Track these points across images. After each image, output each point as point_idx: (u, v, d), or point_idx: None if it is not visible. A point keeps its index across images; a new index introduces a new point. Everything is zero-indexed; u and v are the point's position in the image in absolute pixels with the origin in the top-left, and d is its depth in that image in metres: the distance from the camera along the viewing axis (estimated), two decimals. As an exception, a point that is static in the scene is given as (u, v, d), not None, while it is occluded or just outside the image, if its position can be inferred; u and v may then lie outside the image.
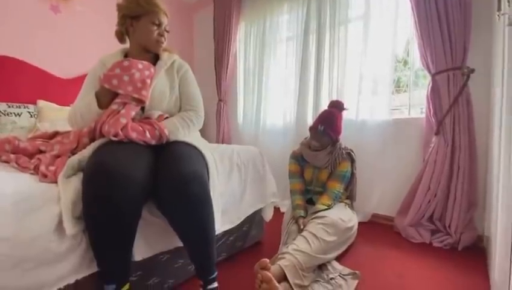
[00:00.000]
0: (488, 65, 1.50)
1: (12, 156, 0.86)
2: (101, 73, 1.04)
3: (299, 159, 1.67)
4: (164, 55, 1.13)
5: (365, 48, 1.94)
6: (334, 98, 2.08)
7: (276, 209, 1.84)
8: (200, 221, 0.88)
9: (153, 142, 0.97)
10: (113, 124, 0.90)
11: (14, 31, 2.03)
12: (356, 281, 1.16)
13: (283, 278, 1.05)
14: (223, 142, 2.79)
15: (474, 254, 1.41)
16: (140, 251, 0.91)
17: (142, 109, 1.04)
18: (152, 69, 1.03)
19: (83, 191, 0.77)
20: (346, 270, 1.23)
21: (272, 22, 2.51)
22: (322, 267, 1.25)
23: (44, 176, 0.77)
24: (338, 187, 1.47)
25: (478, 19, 1.47)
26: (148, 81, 0.99)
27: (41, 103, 2.01)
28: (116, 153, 0.84)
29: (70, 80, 2.28)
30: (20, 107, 1.92)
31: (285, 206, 2.11)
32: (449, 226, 1.51)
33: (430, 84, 1.59)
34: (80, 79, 2.31)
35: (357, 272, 1.21)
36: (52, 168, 0.81)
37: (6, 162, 0.87)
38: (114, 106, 0.95)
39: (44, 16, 2.16)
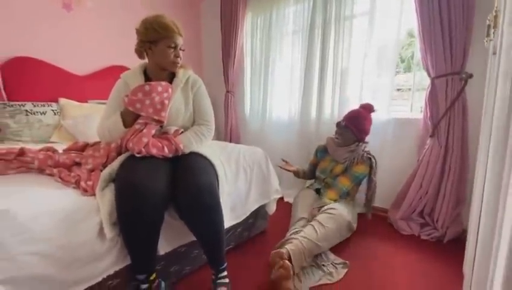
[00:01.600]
0: (486, 71, 1.53)
1: (55, 170, 1.03)
2: (123, 91, 1.17)
3: (319, 151, 1.87)
4: (180, 73, 1.24)
5: (369, 44, 1.97)
6: (337, 93, 2.15)
7: (280, 199, 2.00)
8: (212, 225, 1.05)
9: (170, 155, 1.12)
10: (136, 142, 1.05)
11: (29, 31, 2.11)
12: (345, 270, 1.34)
13: (288, 259, 1.23)
14: (231, 133, 2.93)
15: (457, 246, 1.55)
16: (163, 247, 1.10)
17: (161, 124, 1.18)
18: (170, 90, 1.14)
19: (116, 204, 0.94)
20: (338, 260, 1.41)
21: (278, 15, 2.51)
22: (317, 255, 1.43)
23: (85, 190, 0.94)
24: (347, 185, 1.62)
25: (480, 25, 1.49)
26: (167, 102, 1.12)
27: (62, 100, 2.17)
28: (140, 169, 1.00)
29: (87, 77, 2.40)
30: (44, 106, 2.07)
31: (288, 196, 2.28)
32: (437, 221, 1.66)
33: (429, 88, 1.65)
34: (95, 75, 2.44)
35: (347, 262, 1.39)
36: (90, 183, 0.97)
37: (50, 175, 1.04)
38: (137, 126, 1.09)
39: (57, 14, 2.24)
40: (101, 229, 0.92)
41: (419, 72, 1.86)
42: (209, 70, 3.27)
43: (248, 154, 1.56)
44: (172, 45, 1.14)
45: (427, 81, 1.67)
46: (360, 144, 1.66)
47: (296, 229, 1.42)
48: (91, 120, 2.06)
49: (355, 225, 1.63)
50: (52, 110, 2.09)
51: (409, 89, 2.00)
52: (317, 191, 1.77)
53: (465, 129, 1.59)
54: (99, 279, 0.94)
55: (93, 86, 2.39)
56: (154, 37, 1.12)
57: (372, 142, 1.96)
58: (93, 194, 0.95)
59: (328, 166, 1.73)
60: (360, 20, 2.06)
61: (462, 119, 1.58)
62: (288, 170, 1.86)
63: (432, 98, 1.65)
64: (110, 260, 0.96)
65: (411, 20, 1.76)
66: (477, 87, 1.56)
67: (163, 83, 1.14)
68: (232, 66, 2.84)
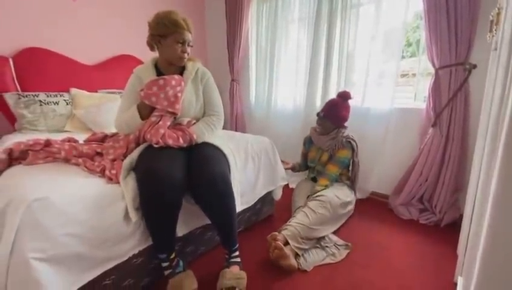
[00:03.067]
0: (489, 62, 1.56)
1: (80, 160, 1.11)
2: (137, 85, 1.23)
3: (306, 142, 1.97)
4: (189, 65, 1.29)
5: (375, 31, 1.97)
6: (342, 84, 2.19)
7: (285, 185, 2.09)
8: (225, 210, 1.15)
9: (185, 145, 1.20)
10: (154, 134, 1.13)
11: (37, 21, 2.13)
12: (347, 251, 1.45)
13: (286, 243, 1.36)
14: (236, 122, 2.98)
15: (453, 230, 1.65)
16: (181, 229, 1.20)
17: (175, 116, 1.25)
18: (182, 83, 1.20)
19: (139, 191, 1.02)
20: (340, 242, 1.52)
21: (283, 2, 2.50)
22: (320, 237, 1.53)
23: (110, 179, 1.03)
24: (335, 171, 1.73)
25: (486, 16, 1.50)
26: (180, 94, 1.18)
27: (73, 90, 2.22)
28: (159, 158, 1.08)
29: (95, 66, 2.44)
30: (57, 96, 2.13)
31: (293, 183, 2.38)
32: (435, 206, 1.74)
33: (433, 78, 1.69)
34: (103, 65, 2.48)
35: (349, 243, 1.49)
36: (113, 171, 1.06)
37: (76, 164, 1.12)
38: (153, 118, 1.16)
39: (63, 4, 2.25)
40: (126, 214, 1.01)
41: (425, 55, 1.83)
42: (214, 58, 3.28)
43: (255, 143, 1.63)
44: (180, 41, 1.19)
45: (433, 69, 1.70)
46: (340, 130, 1.76)
47: (294, 217, 1.52)
48: (102, 109, 2.12)
49: (351, 206, 1.74)
50: (65, 100, 2.15)
51: (414, 75, 2.03)
52: (314, 179, 1.88)
53: (467, 119, 1.65)
54: (126, 257, 1.05)
55: (102, 75, 2.44)
56: (163, 32, 1.17)
57: (376, 131, 2.03)
58: (118, 182, 1.04)
59: (315, 155, 1.85)
60: (366, 8, 2.06)
61: (464, 110, 1.63)
62: (286, 168, 1.92)
63: (435, 88, 1.69)
64: (134, 240, 1.06)
65: (419, 2, 1.74)
66: (480, 78, 1.59)
67: (177, 76, 1.20)
68: (237, 54, 2.85)
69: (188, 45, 1.23)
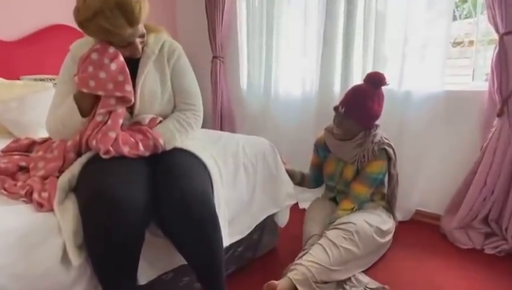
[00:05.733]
0: None
1: (-4, 179, 1.11)
2: (75, 69, 1.23)
3: (319, 148, 1.92)
4: (150, 39, 1.28)
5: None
6: (370, 59, 2.21)
7: (294, 206, 2.10)
8: (207, 243, 1.15)
9: (147, 154, 1.20)
10: (101, 139, 1.12)
11: None
12: (384, 297, 1.46)
13: (295, 289, 1.35)
14: (221, 117, 3.00)
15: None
16: (144, 274, 1.19)
17: (131, 111, 1.25)
18: (120, 57, 1.17)
19: (82, 221, 1.02)
20: (373, 284, 1.52)
21: None
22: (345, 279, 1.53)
23: (40, 205, 1.02)
24: (364, 192, 1.69)
25: None
26: (127, 69, 1.16)
27: (-15, 78, 2.22)
28: (110, 174, 1.07)
29: (17, 42, 2.43)
30: (-40, 87, 2.13)
31: (304, 202, 2.38)
32: (506, 230, 1.76)
33: (497, 49, 1.71)
34: (28, 39, 2.48)
35: (386, 286, 1.50)
36: (45, 194, 1.05)
37: (-9, 185, 1.12)
38: (99, 118, 1.16)
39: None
40: (65, 254, 1.01)
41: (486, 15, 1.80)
42: (187, 27, 3.30)
43: (249, 146, 1.65)
44: (124, 44, 1.17)
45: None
46: (369, 131, 1.69)
47: (306, 251, 1.52)
48: (27, 104, 2.11)
49: (390, 236, 1.73)
50: (-27, 93, 2.15)
51: (471, 43, 2.05)
52: (334, 199, 1.87)
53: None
54: (67, 317, 1.04)
55: (26, 55, 2.43)
56: (98, 37, 1.17)
57: (418, 125, 2.05)
58: (51, 209, 1.04)
59: (335, 170, 1.80)
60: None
61: (542, 91, 1.66)
62: None
63: (501, 63, 1.71)
64: (78, 292, 1.06)
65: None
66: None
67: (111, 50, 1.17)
68: (219, 20, 2.86)
69: (140, 37, 1.20)
